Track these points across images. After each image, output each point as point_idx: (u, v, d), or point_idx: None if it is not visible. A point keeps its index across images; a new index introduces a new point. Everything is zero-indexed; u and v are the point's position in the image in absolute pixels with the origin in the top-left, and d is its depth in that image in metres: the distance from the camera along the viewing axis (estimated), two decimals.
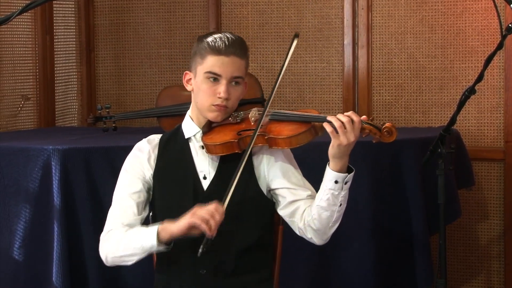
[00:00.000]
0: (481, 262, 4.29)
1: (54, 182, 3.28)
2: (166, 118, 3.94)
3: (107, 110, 4.06)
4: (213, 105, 2.53)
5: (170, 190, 2.57)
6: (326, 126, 2.39)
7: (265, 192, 2.58)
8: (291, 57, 2.50)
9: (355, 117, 2.38)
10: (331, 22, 4.45)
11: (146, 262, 2.56)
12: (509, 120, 4.17)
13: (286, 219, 2.58)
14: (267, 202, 2.58)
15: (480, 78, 3.07)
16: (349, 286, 3.55)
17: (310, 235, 2.52)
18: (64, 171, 3.28)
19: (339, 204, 2.45)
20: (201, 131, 2.58)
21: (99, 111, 4.08)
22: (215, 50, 2.50)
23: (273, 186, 2.57)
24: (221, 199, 2.47)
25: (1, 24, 2.41)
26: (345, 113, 2.40)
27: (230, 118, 2.57)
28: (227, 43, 2.50)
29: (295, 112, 2.52)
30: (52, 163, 3.29)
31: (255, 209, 2.55)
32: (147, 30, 4.75)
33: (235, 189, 2.43)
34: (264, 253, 2.62)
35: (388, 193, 3.57)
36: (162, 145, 2.63)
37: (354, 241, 3.50)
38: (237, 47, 2.52)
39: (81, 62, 4.85)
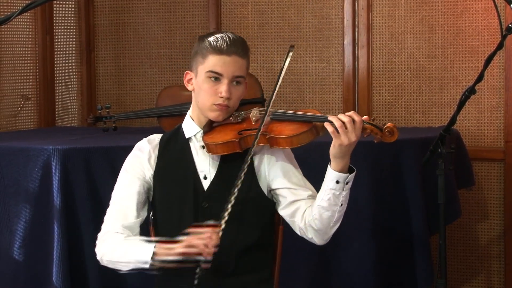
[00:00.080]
0: (481, 262, 4.29)
1: (54, 182, 3.28)
2: (166, 118, 3.94)
3: (107, 110, 4.06)
4: (215, 104, 2.53)
5: (171, 190, 2.57)
6: (327, 126, 2.39)
7: (265, 192, 2.58)
8: (288, 64, 2.50)
9: (356, 117, 2.38)
10: (331, 22, 4.45)
11: None
12: (509, 120, 4.17)
13: (287, 219, 2.58)
14: (267, 202, 2.59)
15: (480, 78, 3.07)
16: (349, 286, 3.54)
17: (311, 235, 2.52)
18: (64, 171, 3.28)
19: (340, 204, 2.45)
20: (201, 131, 2.58)
21: (99, 111, 4.08)
22: (217, 50, 2.50)
23: (273, 186, 2.57)
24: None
25: (1, 24, 2.41)
26: (347, 113, 2.40)
27: (231, 118, 2.57)
28: (228, 43, 2.50)
29: (296, 112, 2.53)
30: (52, 163, 3.28)
31: (255, 209, 2.55)
32: (147, 30, 4.75)
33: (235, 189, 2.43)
34: (264, 253, 2.62)
35: (388, 193, 3.57)
36: (162, 145, 2.63)
37: (354, 241, 3.50)
38: (239, 47, 2.52)
39: (81, 62, 4.85)
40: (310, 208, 2.50)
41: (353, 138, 2.37)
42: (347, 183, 2.44)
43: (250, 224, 2.54)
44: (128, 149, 2.66)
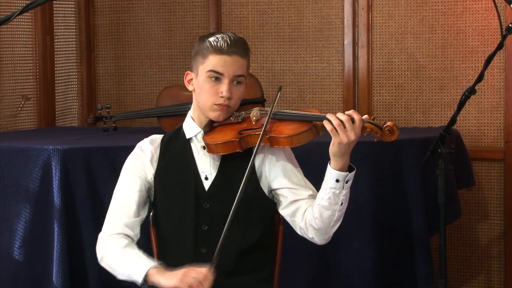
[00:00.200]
0: (481, 262, 4.29)
1: (54, 182, 3.28)
2: (166, 118, 3.94)
3: (107, 110, 4.06)
4: (215, 104, 2.53)
5: (172, 190, 2.57)
6: (326, 124, 2.40)
7: (266, 192, 2.58)
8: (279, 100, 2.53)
9: (356, 116, 2.38)
10: (331, 22, 4.45)
11: None
12: (509, 120, 4.17)
13: (287, 218, 2.58)
14: (268, 202, 2.59)
15: (480, 78, 3.07)
16: (349, 286, 3.54)
17: (311, 235, 2.52)
18: (64, 171, 3.28)
19: (340, 203, 2.45)
20: (202, 131, 2.58)
21: (99, 111, 4.08)
22: (218, 50, 2.50)
23: (274, 186, 2.57)
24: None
25: (1, 24, 2.41)
26: (346, 112, 2.40)
27: (231, 118, 2.58)
28: (229, 43, 2.50)
29: (296, 112, 2.53)
30: (52, 163, 3.28)
31: (256, 209, 2.55)
32: (147, 30, 4.75)
33: (236, 190, 2.43)
34: (265, 253, 2.62)
35: (388, 193, 3.57)
36: (163, 146, 2.63)
37: (354, 241, 3.50)
38: (239, 47, 2.52)
39: (81, 62, 4.85)
40: (311, 207, 2.50)
41: (352, 137, 2.37)
42: (347, 182, 2.44)
43: (250, 224, 2.54)
44: (128, 149, 2.66)
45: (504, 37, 3.01)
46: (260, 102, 3.84)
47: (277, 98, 2.51)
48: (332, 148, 2.40)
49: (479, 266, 4.30)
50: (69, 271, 3.26)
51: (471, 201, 4.27)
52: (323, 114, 2.44)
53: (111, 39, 4.82)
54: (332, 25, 4.45)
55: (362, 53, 4.39)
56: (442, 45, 4.30)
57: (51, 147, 3.31)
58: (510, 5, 3.02)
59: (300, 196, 2.55)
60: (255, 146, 2.48)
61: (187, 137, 2.61)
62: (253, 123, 2.55)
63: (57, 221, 3.26)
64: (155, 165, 2.60)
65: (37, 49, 4.57)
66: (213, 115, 2.55)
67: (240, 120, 2.57)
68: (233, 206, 2.38)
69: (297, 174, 2.58)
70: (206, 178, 2.57)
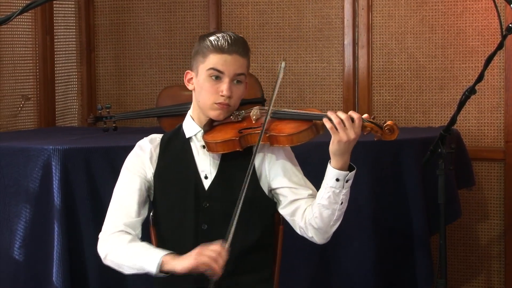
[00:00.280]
0: (481, 262, 4.29)
1: (54, 182, 3.28)
2: (167, 118, 3.94)
3: (107, 110, 4.06)
4: (216, 103, 2.53)
5: (172, 189, 2.57)
6: (326, 122, 2.40)
7: (266, 192, 2.58)
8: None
9: (355, 115, 2.39)
10: (331, 22, 4.45)
11: None
12: (509, 120, 4.17)
13: (287, 218, 2.58)
14: (268, 202, 2.59)
15: (480, 78, 3.07)
16: (349, 286, 3.54)
17: (311, 234, 2.52)
18: (64, 171, 3.28)
19: (340, 202, 2.45)
20: (202, 131, 2.58)
21: (99, 111, 4.08)
22: (218, 49, 2.50)
23: (274, 185, 2.57)
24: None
25: (1, 24, 2.41)
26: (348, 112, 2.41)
27: (231, 117, 2.58)
28: (230, 42, 2.51)
29: (296, 110, 2.53)
30: (52, 163, 3.28)
31: (256, 209, 2.54)
32: (147, 30, 4.75)
33: (235, 189, 2.43)
34: (265, 253, 2.62)
35: (388, 193, 3.57)
36: (163, 145, 2.63)
37: (354, 241, 3.50)
38: (240, 46, 2.52)
39: (81, 62, 4.85)
40: (311, 207, 2.50)
41: (352, 135, 2.37)
42: (347, 181, 2.44)
43: (250, 224, 2.54)
44: (128, 149, 2.66)
45: (504, 37, 3.01)
46: (260, 102, 3.84)
47: (280, 75, 2.50)
48: (332, 147, 2.40)
49: (479, 266, 4.30)
50: (69, 271, 3.26)
51: (471, 201, 4.27)
52: (323, 113, 2.45)
53: (111, 39, 4.82)
54: (332, 25, 4.45)
55: (362, 53, 4.39)
56: (442, 45, 4.30)
57: (51, 147, 3.31)
58: (510, 5, 3.02)
59: (300, 195, 2.55)
60: (255, 145, 2.48)
61: (187, 136, 2.61)
62: (253, 122, 2.55)
63: (57, 221, 3.26)
64: (155, 164, 2.60)
65: (37, 49, 4.57)
66: (213, 114, 2.55)
67: (240, 119, 2.57)
68: (237, 206, 2.38)
69: (297, 174, 2.58)
70: (206, 177, 2.57)
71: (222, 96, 2.52)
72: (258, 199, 2.55)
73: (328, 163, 2.44)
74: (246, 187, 2.41)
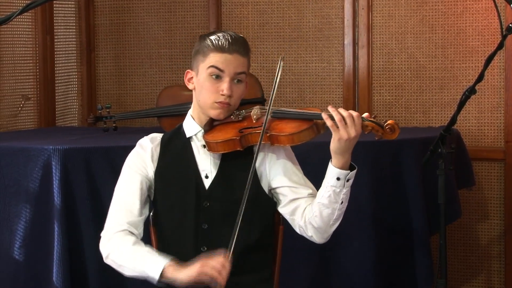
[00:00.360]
0: (481, 262, 4.29)
1: (54, 182, 3.28)
2: (167, 118, 3.94)
3: (108, 110, 4.06)
4: (216, 102, 2.53)
5: (172, 189, 2.57)
6: (327, 120, 2.40)
7: (266, 191, 2.57)
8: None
9: (354, 113, 2.40)
10: (331, 22, 4.45)
11: None
12: (509, 120, 4.17)
13: (287, 217, 2.58)
14: (268, 202, 2.58)
15: (480, 78, 3.07)
16: (349, 286, 3.54)
17: (310, 233, 2.52)
18: (64, 171, 3.28)
19: (341, 201, 2.45)
20: (202, 130, 2.58)
21: (99, 111, 4.08)
22: (218, 48, 2.50)
23: (274, 185, 2.57)
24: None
25: (2, 24, 2.41)
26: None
27: (232, 117, 2.58)
28: (230, 41, 2.51)
29: (297, 110, 2.53)
30: (52, 163, 3.28)
31: (256, 208, 2.54)
32: (147, 30, 4.75)
33: (236, 189, 2.43)
34: (264, 253, 2.62)
35: (388, 193, 3.57)
36: (163, 144, 2.63)
37: (354, 241, 3.50)
38: (240, 45, 2.53)
39: (82, 62, 4.85)
40: (310, 206, 2.50)
41: (353, 133, 2.37)
42: (347, 181, 2.43)
43: (250, 224, 2.53)
44: (128, 149, 2.66)
45: (504, 37, 3.02)
46: (260, 102, 3.84)
47: (279, 70, 2.50)
48: (333, 145, 2.40)
49: (479, 266, 4.30)
50: (69, 271, 3.25)
51: (471, 201, 4.27)
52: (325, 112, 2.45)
53: (111, 39, 4.82)
54: (332, 25, 4.45)
55: (362, 53, 4.39)
56: (442, 45, 4.30)
57: (51, 147, 3.31)
58: (510, 5, 3.02)
59: (300, 194, 2.54)
60: (256, 144, 2.48)
61: (187, 136, 2.61)
62: (254, 121, 2.55)
63: (57, 221, 3.26)
64: (155, 163, 2.59)
65: (37, 49, 4.57)
66: (214, 113, 2.55)
67: (240, 118, 2.58)
68: (241, 206, 2.38)
69: (297, 173, 2.58)
70: (207, 177, 2.57)
71: (222, 95, 2.52)
72: (259, 199, 2.55)
73: (329, 162, 2.44)
74: (248, 188, 2.40)
